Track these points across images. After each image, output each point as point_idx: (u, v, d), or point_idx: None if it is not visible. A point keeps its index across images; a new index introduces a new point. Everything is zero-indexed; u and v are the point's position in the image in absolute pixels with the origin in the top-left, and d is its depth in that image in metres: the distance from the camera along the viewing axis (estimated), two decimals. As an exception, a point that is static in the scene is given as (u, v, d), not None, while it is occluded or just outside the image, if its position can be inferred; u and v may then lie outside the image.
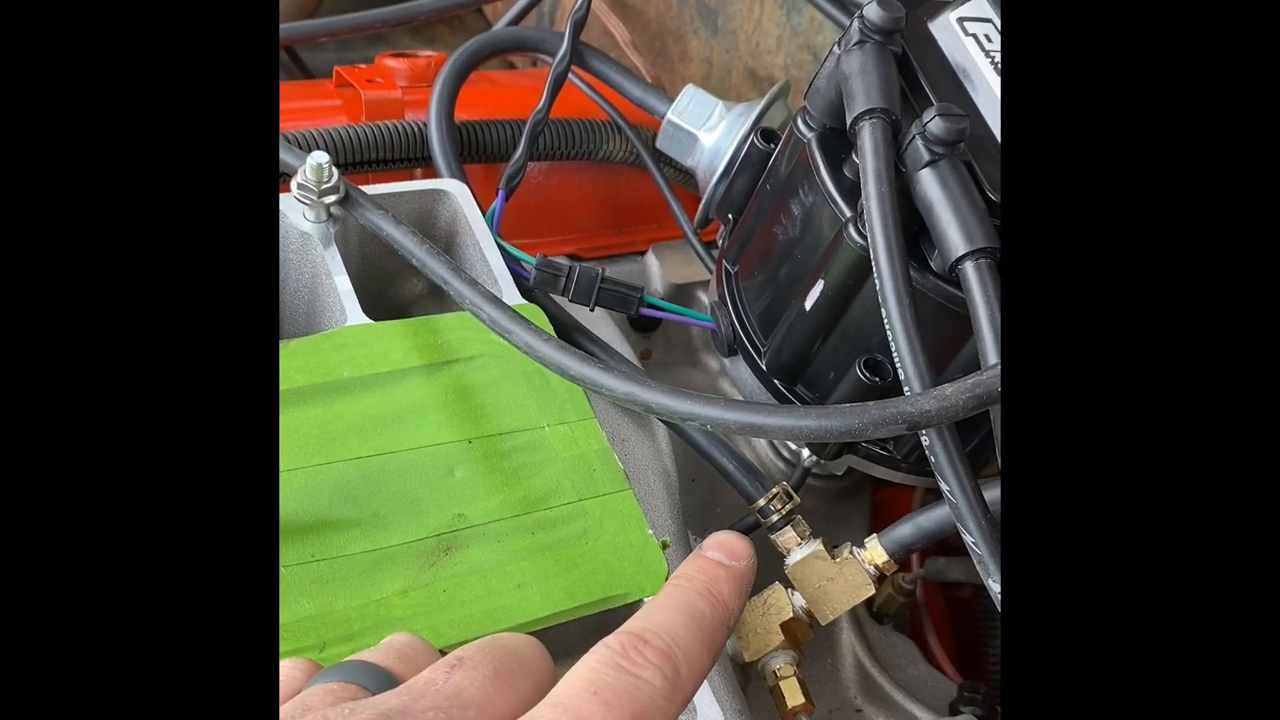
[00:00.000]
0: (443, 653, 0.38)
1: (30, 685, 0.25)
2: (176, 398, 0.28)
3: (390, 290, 0.58)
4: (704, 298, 0.70)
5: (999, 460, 0.38)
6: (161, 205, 0.29)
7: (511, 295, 0.52)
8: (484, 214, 0.56)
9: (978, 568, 0.40)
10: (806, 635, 0.49)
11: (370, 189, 0.54)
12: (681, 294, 0.70)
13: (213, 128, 0.30)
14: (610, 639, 0.30)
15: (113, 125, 0.29)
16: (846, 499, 0.65)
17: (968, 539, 0.40)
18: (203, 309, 0.29)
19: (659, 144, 0.63)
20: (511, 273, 0.54)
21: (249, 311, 0.29)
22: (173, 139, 0.29)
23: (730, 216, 0.58)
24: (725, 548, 0.36)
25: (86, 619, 0.26)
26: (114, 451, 0.27)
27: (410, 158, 0.62)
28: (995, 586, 0.39)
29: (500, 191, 0.58)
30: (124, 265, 0.28)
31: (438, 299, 0.58)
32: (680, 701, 0.30)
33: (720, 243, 0.61)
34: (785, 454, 0.62)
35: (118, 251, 0.28)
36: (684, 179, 0.69)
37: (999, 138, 0.46)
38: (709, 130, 0.61)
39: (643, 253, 0.71)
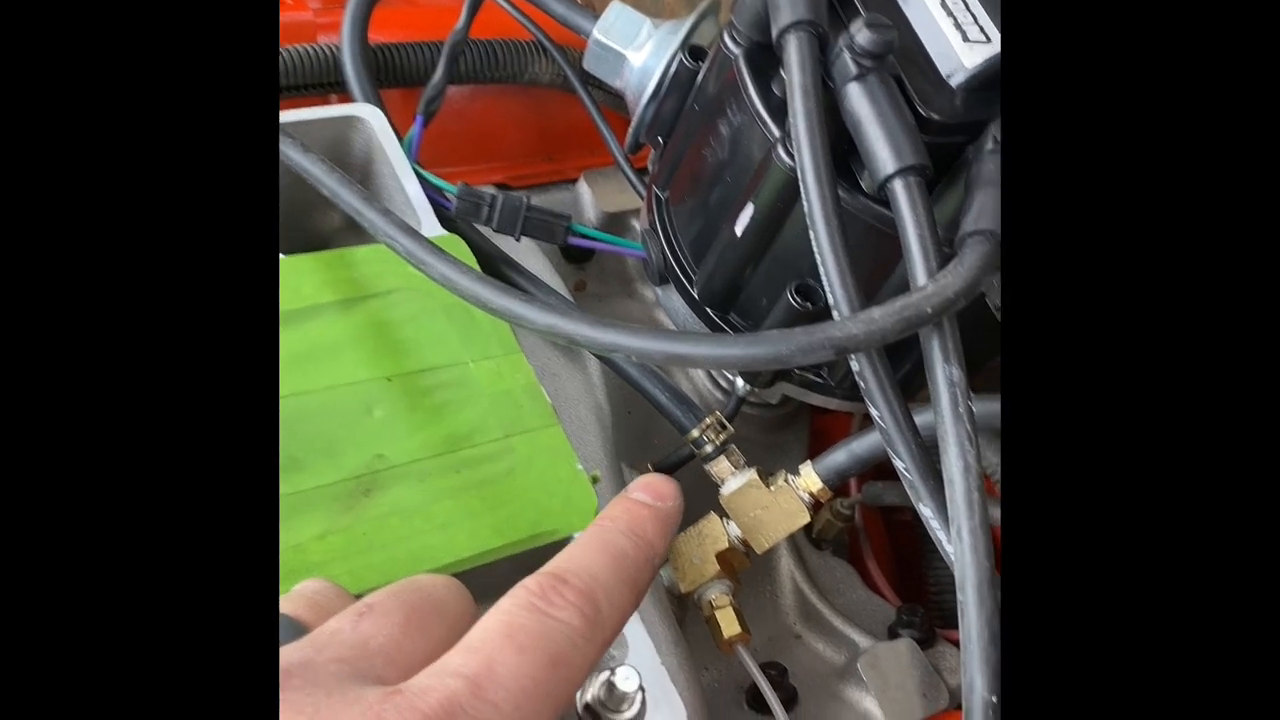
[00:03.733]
0: (360, 598, 0.37)
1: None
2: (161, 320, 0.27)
3: (306, 223, 0.55)
4: (638, 226, 0.68)
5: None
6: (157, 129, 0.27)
7: (431, 226, 0.50)
8: (401, 141, 0.54)
9: (908, 492, 0.39)
10: (743, 564, 0.49)
11: (281, 116, 0.51)
12: (615, 223, 0.68)
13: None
14: (528, 580, 0.29)
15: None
16: (785, 427, 0.64)
17: (898, 464, 0.39)
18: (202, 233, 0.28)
19: (586, 65, 0.61)
20: (432, 202, 0.52)
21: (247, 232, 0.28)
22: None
23: (660, 140, 0.56)
24: (650, 489, 0.35)
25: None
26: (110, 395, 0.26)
27: (323, 83, 0.59)
28: (926, 511, 0.39)
29: (418, 116, 0.55)
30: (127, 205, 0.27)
31: (357, 232, 0.55)
32: (601, 642, 0.29)
33: (651, 168, 0.59)
34: (723, 384, 0.61)
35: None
36: (614, 102, 0.66)
37: (929, 50, 0.44)
38: (637, 49, 0.59)
39: (574, 180, 0.69)
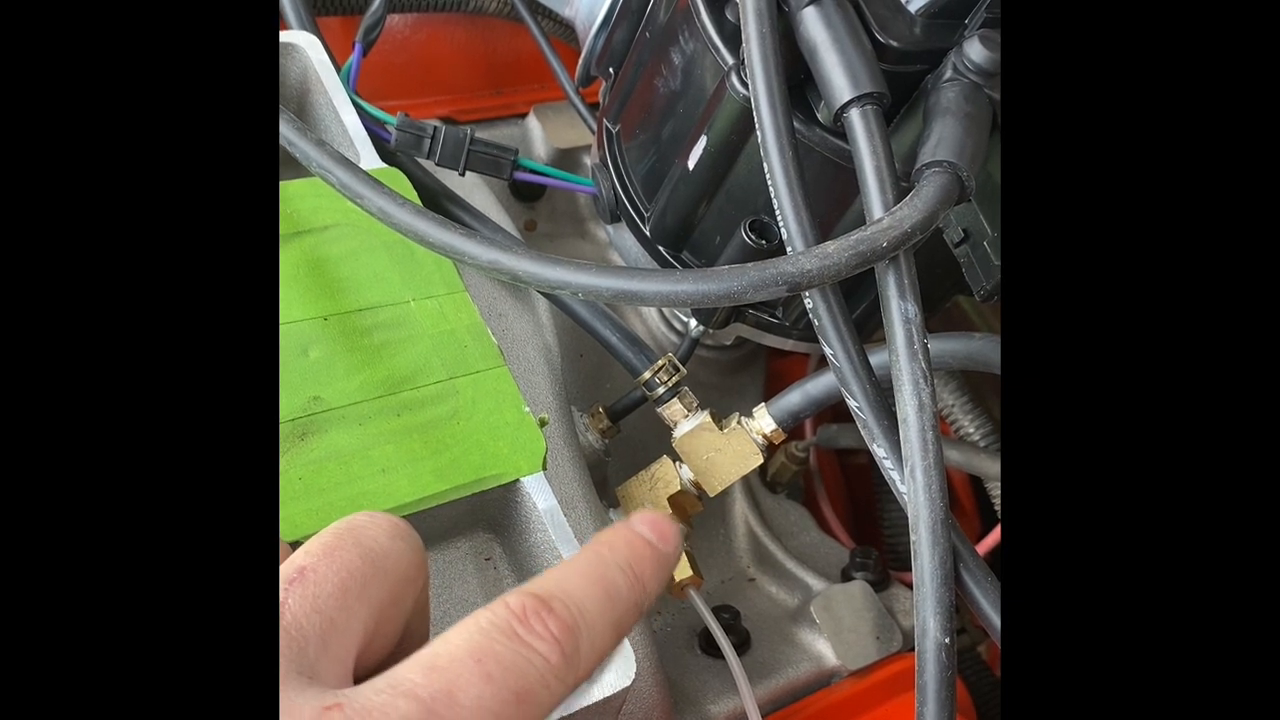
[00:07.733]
0: (294, 545, 0.35)
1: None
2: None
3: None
4: (589, 162, 0.66)
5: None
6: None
7: (370, 159, 0.48)
8: (339, 71, 0.51)
9: (862, 432, 0.38)
10: (695, 508, 0.48)
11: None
12: (567, 159, 0.66)
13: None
14: (511, 598, 0.27)
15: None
16: (740, 370, 0.63)
17: (852, 403, 0.38)
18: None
19: (534, -8, 0.58)
20: (371, 135, 0.49)
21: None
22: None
23: (612, 71, 0.54)
24: (655, 527, 0.32)
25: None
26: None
27: (256, 9, 0.56)
28: (880, 451, 0.38)
29: (357, 45, 0.52)
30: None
31: (291, 164, 0.53)
32: (572, 683, 0.27)
33: (602, 100, 0.57)
34: (677, 325, 0.60)
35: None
36: (564, 32, 0.64)
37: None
38: (587, -24, 0.56)
39: (524, 115, 0.67)
